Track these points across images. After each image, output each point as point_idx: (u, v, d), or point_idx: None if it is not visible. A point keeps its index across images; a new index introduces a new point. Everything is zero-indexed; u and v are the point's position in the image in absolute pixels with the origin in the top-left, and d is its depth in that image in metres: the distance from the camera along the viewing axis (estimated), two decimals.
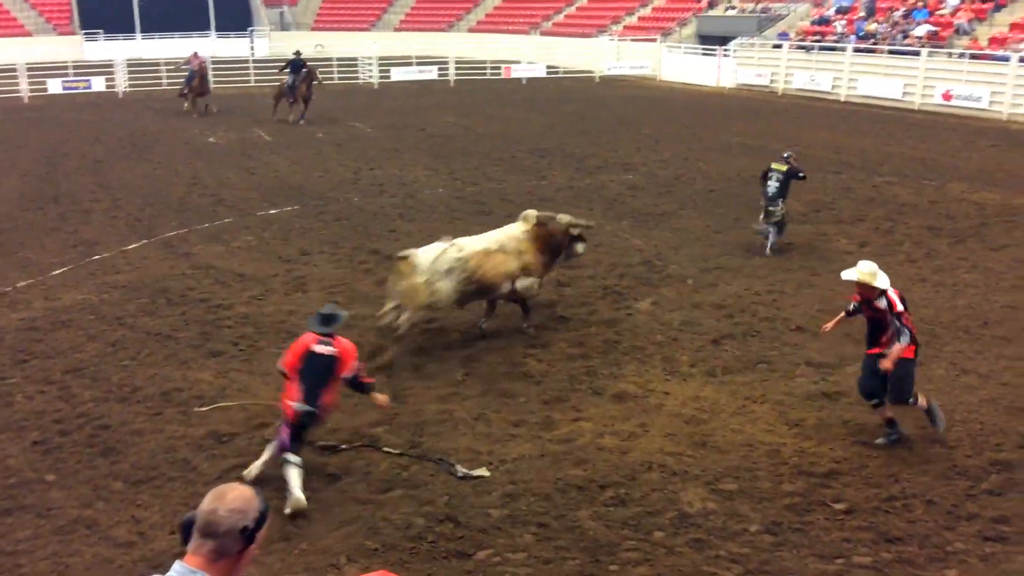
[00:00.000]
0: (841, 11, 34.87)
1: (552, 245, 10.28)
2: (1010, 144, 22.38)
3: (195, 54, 28.76)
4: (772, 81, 34.36)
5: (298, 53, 27.30)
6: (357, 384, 7.15)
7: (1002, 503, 6.78)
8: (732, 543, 6.23)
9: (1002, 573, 5.97)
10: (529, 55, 41.99)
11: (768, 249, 13.25)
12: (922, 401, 7.68)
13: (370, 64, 38.37)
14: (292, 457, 6.78)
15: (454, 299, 9.61)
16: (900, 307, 7.45)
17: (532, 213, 10.43)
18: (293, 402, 6.85)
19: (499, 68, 40.28)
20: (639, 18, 45.06)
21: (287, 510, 6.55)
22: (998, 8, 29.90)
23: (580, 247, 10.56)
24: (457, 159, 20.86)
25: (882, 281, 7.50)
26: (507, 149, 22.12)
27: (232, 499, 2.84)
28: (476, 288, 9.71)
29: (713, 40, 37.99)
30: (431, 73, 39.43)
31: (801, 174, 13.40)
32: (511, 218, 15.11)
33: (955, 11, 30.73)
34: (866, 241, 13.86)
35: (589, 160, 20.78)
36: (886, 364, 7.36)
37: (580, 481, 7.04)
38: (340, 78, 37.71)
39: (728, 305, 11.20)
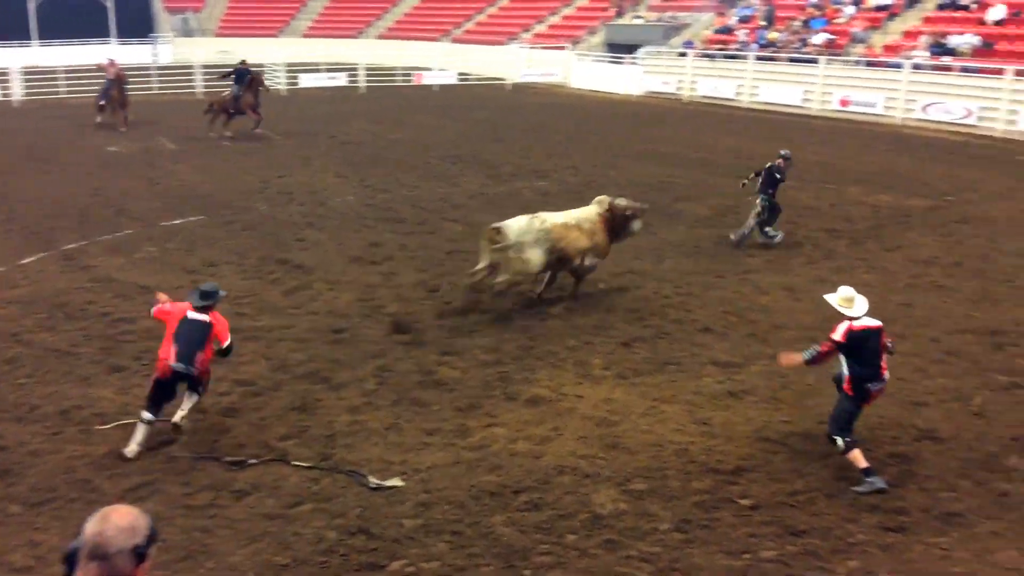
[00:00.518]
0: (744, 20, 35.83)
1: (616, 227, 11.70)
2: (903, 148, 23.32)
3: (111, 61, 26.96)
4: (678, 89, 35.08)
5: (243, 61, 25.57)
6: (226, 352, 8.00)
7: (901, 494, 7.04)
8: (643, 542, 6.32)
9: (902, 562, 6.20)
10: (441, 62, 41.94)
11: (734, 238, 14.15)
12: (856, 459, 7.09)
13: (278, 71, 37.78)
14: (145, 415, 7.57)
15: (543, 266, 10.90)
16: (834, 336, 7.15)
17: (605, 199, 11.68)
18: (168, 359, 7.49)
19: (410, 75, 40.15)
20: (549, 26, 45.50)
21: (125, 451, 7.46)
22: (891, 17, 31.14)
23: (636, 224, 11.86)
24: (368, 166, 20.70)
25: (855, 310, 7.22)
26: (419, 156, 22.04)
27: (119, 519, 2.76)
28: (557, 258, 10.98)
29: (621, 48, 38.59)
30: (341, 80, 39.08)
31: (778, 175, 14.12)
32: (424, 226, 15.21)
33: (851, 20, 31.88)
34: (769, 244, 14.23)
35: (502, 167, 20.86)
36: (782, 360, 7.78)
37: (494, 487, 7.05)
38: None
39: (639, 308, 11.37)
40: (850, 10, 32.41)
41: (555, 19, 45.80)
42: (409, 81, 39.84)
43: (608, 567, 6.07)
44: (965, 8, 28.91)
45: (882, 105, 27.85)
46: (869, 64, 28.92)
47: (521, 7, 48.01)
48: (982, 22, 27.81)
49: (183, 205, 16.56)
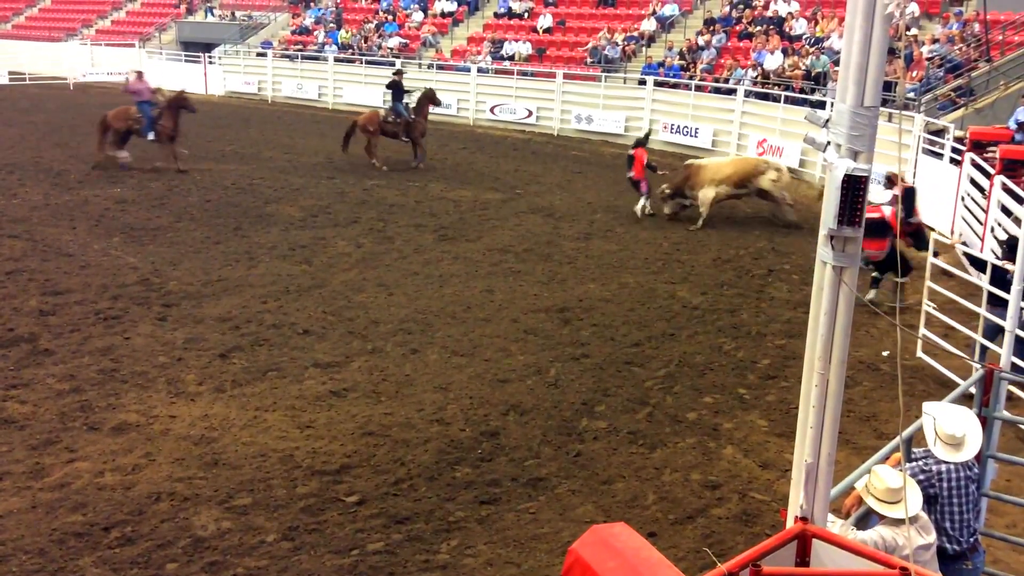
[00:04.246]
0: (319, 22, 36.08)
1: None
2: (477, 146, 25.06)
3: (140, 74, 20.60)
4: (260, 89, 34.45)
5: (399, 73, 21.51)
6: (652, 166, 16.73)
7: (493, 468, 7.59)
8: (249, 558, 6.15)
9: (496, 531, 6.68)
10: None
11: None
12: None
13: None
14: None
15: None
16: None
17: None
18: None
19: None
20: (113, 22, 42.23)
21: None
22: (456, 23, 33.25)
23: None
24: None
25: None
26: None
27: None
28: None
29: (196, 47, 36.99)
30: None
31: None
32: None
33: (421, 25, 33.52)
34: (362, 242, 14.55)
35: (68, 174, 19.02)
36: None
37: (80, 527, 6.43)
38: None
39: (234, 316, 11.02)
40: (418, 16, 34.05)
41: (120, 15, 42.61)
42: None
43: None
44: (520, 17, 31.73)
45: (456, 107, 29.64)
46: (440, 68, 30.64)
47: (78, 1, 43.97)
48: (535, 30, 30.74)
49: None
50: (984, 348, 9.18)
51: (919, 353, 9.93)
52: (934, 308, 10.42)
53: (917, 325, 10.03)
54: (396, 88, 21.31)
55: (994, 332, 9.04)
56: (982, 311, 9.05)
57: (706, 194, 15.98)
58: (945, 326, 10.02)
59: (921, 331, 9.89)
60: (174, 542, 6.32)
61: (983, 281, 9.20)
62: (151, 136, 19.70)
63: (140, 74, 20.74)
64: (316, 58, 33.51)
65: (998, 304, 8.81)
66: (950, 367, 9.47)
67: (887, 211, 11.34)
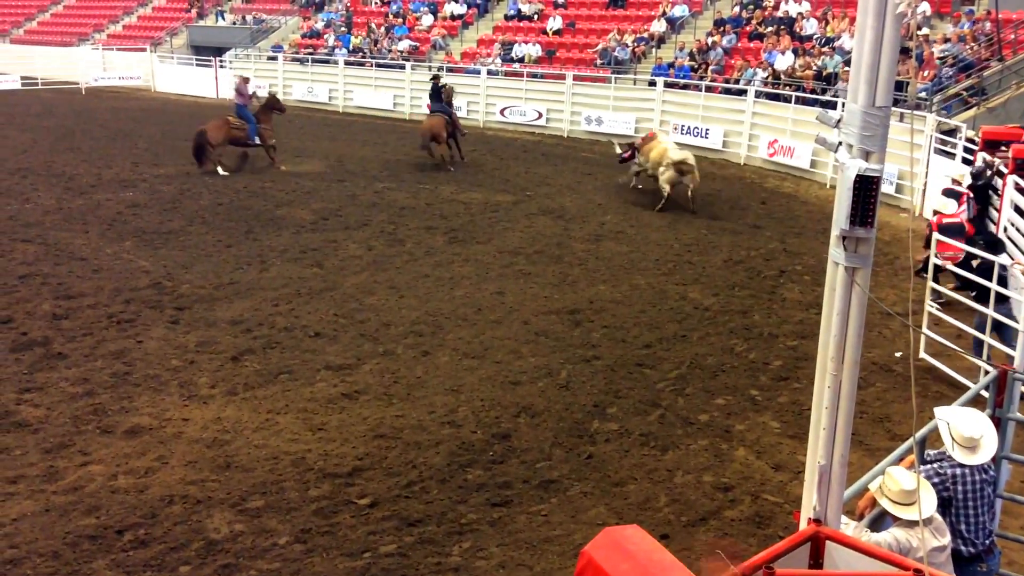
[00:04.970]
0: (330, 25, 36.18)
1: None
2: (487, 148, 25.04)
3: (245, 80, 21.55)
4: (271, 92, 34.53)
5: (436, 77, 22.54)
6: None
7: (504, 470, 7.59)
8: (262, 560, 6.17)
9: (508, 534, 6.68)
10: None
11: None
12: None
13: None
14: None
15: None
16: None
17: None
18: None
19: None
20: (124, 26, 42.45)
21: None
22: (466, 26, 33.28)
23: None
24: None
25: None
26: None
27: None
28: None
29: (207, 50, 37.15)
30: None
31: None
32: None
33: (430, 28, 33.57)
34: (372, 245, 14.57)
35: (80, 178, 19.11)
36: None
37: (93, 530, 6.47)
38: None
39: (246, 320, 11.05)
40: (428, 19, 34.09)
41: (130, 19, 42.82)
42: None
43: None
44: (529, 19, 31.75)
45: (466, 108, 29.65)
46: (450, 70, 30.66)
47: (90, 6, 44.23)
48: (544, 32, 30.74)
49: None
50: (987, 345, 9.17)
51: (922, 353, 9.88)
52: (937, 309, 10.38)
53: (922, 326, 10.00)
54: (436, 91, 22.12)
55: (993, 327, 9.07)
56: (989, 311, 9.01)
57: (638, 163, 18.76)
58: (956, 327, 9.97)
59: (924, 330, 9.84)
60: (187, 544, 6.35)
61: (978, 277, 9.22)
62: (257, 140, 20.47)
63: (246, 80, 21.76)
64: (326, 61, 33.60)
65: (1000, 302, 8.87)
66: (960, 368, 9.43)
67: (962, 216, 11.94)
